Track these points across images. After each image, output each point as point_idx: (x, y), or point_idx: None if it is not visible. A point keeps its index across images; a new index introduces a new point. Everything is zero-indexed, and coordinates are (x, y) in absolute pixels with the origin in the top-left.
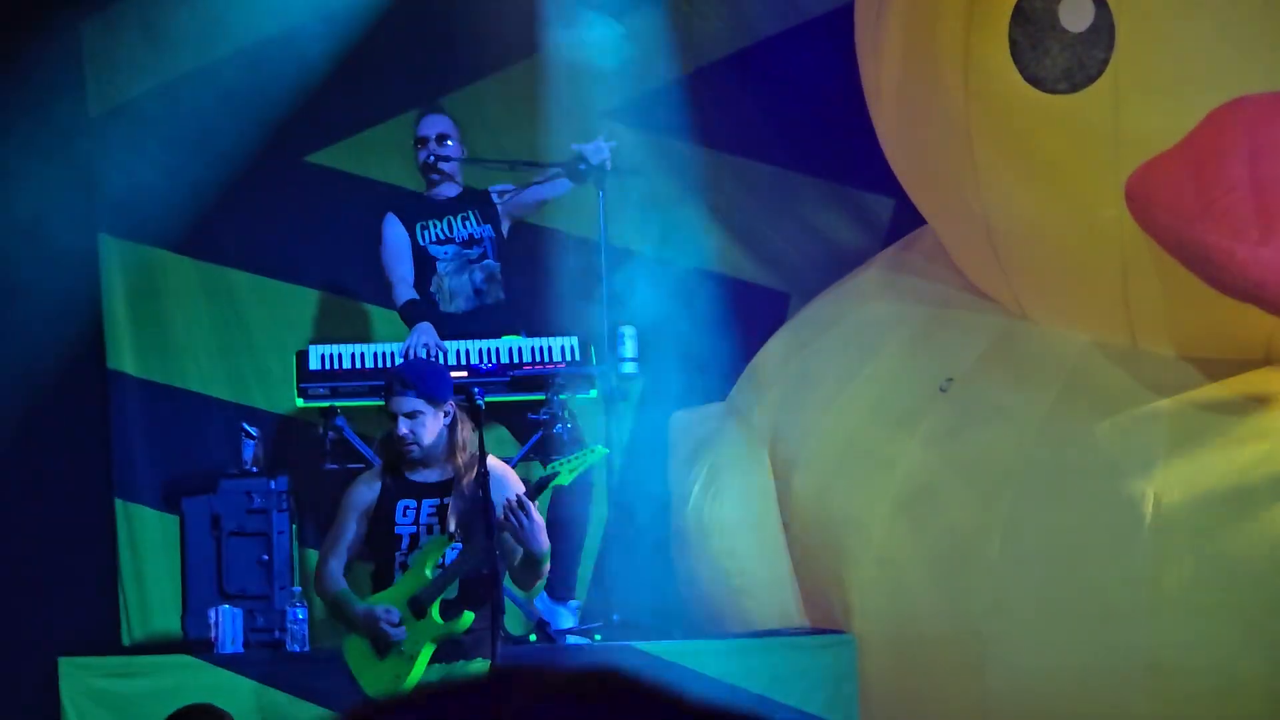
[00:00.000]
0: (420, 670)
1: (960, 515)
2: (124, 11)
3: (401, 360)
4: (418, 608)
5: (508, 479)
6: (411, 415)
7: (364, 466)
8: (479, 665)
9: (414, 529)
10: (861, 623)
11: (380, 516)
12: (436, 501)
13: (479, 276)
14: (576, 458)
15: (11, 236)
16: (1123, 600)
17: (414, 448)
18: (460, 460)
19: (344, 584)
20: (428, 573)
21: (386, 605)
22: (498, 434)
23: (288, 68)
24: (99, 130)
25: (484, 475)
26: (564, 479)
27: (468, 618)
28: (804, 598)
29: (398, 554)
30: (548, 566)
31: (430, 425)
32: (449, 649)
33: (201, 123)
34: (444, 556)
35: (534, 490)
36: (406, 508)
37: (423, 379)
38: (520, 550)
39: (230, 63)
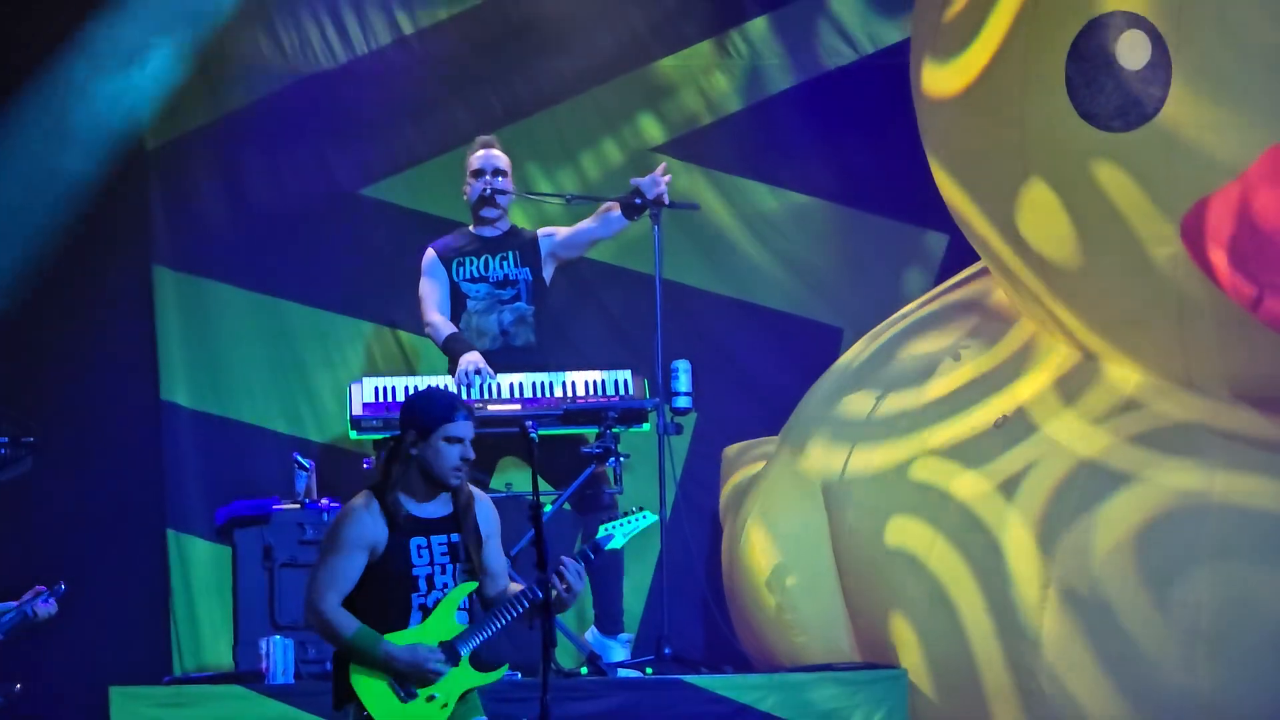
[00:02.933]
0: (448, 717)
1: (1013, 550)
2: (179, 46)
3: (457, 389)
4: (451, 654)
5: (495, 510)
6: (470, 441)
7: None
8: None
9: (429, 569)
10: (913, 657)
11: (393, 554)
12: (445, 538)
13: (508, 318)
14: (629, 522)
15: (67, 268)
16: (1171, 637)
17: (465, 471)
18: (463, 493)
19: (357, 621)
20: (456, 618)
21: (429, 646)
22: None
23: (342, 102)
24: (154, 163)
25: (536, 508)
26: (617, 543)
27: (501, 670)
28: (855, 632)
29: (415, 595)
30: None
31: None
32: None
33: (256, 156)
34: (468, 600)
35: (591, 553)
36: (420, 546)
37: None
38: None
39: (285, 96)
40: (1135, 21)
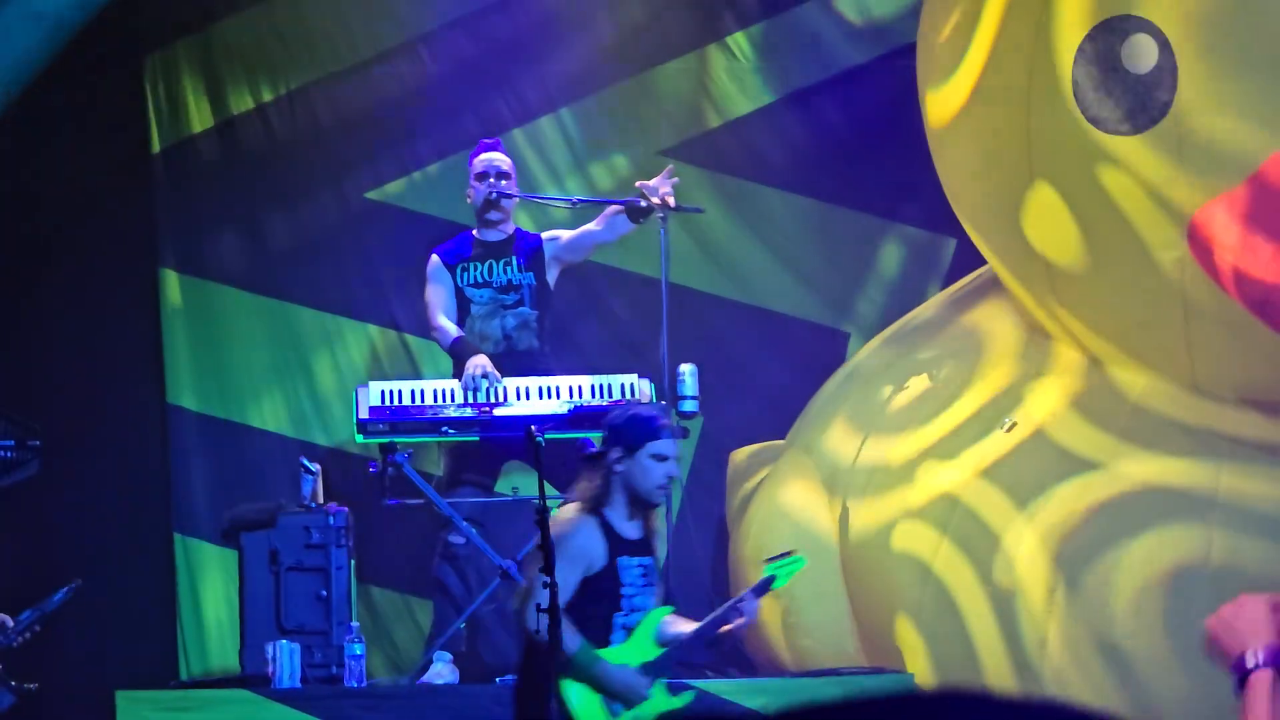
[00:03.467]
0: None
1: (1019, 554)
2: (186, 50)
3: (464, 392)
4: (651, 678)
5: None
6: (677, 459)
7: (423, 503)
8: None
9: (631, 589)
10: (918, 661)
11: (607, 572)
12: (640, 560)
13: (511, 322)
14: (788, 564)
15: (73, 272)
16: (1179, 643)
17: (668, 490)
18: (652, 518)
19: (580, 636)
20: (652, 641)
21: (637, 671)
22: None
23: (347, 106)
24: (161, 166)
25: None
26: (781, 583)
27: (689, 695)
28: (861, 636)
29: (618, 615)
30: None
31: None
32: None
33: (262, 159)
34: (660, 627)
35: (758, 592)
36: (625, 567)
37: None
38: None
39: (290, 100)
40: (1141, 25)
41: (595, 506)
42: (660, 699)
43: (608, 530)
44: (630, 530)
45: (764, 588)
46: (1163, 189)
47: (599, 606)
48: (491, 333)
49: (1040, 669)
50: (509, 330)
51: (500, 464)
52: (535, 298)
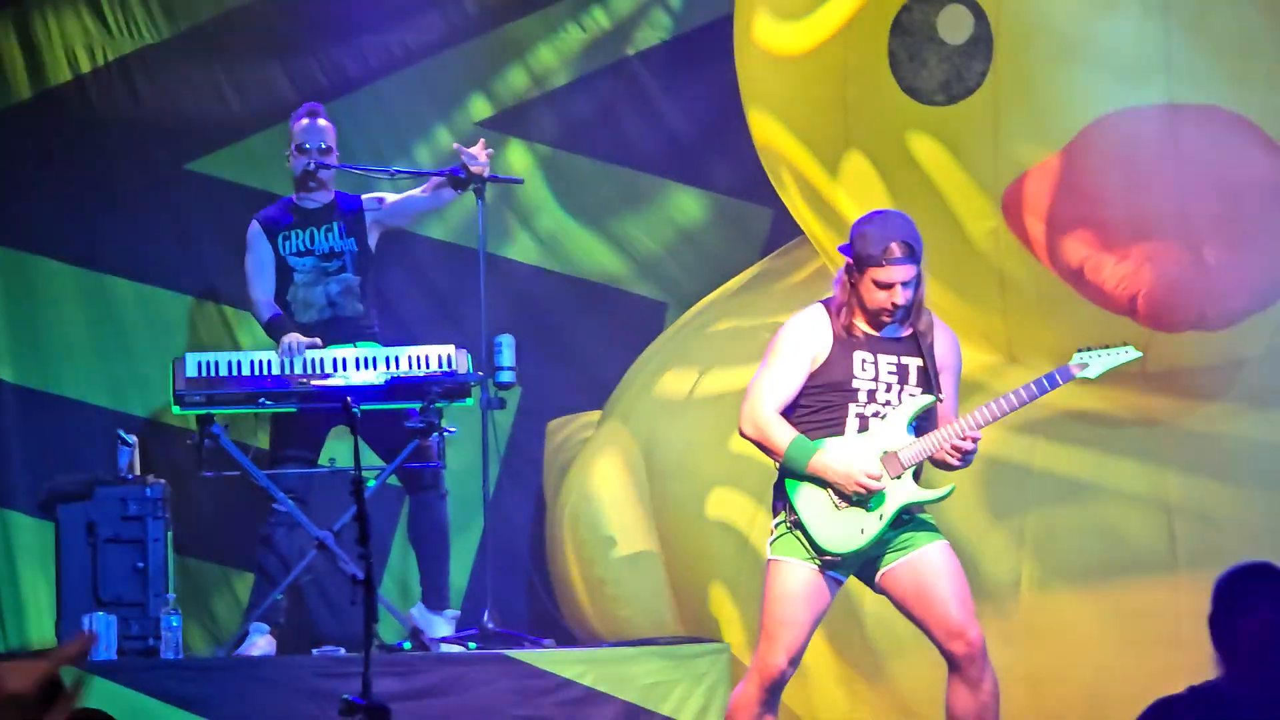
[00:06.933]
0: (885, 529)
1: None
2: (1, 20)
3: (280, 366)
4: (894, 466)
5: (956, 346)
6: (910, 284)
7: (239, 475)
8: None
9: (873, 384)
10: (734, 631)
11: (834, 364)
12: (895, 359)
13: (334, 289)
14: (1110, 354)
15: None
16: (995, 608)
17: (899, 313)
18: (922, 321)
19: (793, 431)
20: (906, 430)
21: (867, 458)
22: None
23: (167, 77)
24: None
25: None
26: (1091, 373)
27: (948, 490)
28: (678, 605)
29: (853, 405)
30: None
31: (915, 291)
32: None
33: (78, 132)
34: (921, 419)
35: (1063, 376)
36: (864, 361)
37: (919, 241)
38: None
39: (109, 71)
40: None
41: (831, 304)
42: (905, 488)
43: (839, 325)
44: (880, 329)
45: (1068, 374)
46: (978, 159)
47: (828, 397)
48: (316, 299)
49: (853, 638)
50: (333, 296)
51: (323, 435)
52: (358, 263)
